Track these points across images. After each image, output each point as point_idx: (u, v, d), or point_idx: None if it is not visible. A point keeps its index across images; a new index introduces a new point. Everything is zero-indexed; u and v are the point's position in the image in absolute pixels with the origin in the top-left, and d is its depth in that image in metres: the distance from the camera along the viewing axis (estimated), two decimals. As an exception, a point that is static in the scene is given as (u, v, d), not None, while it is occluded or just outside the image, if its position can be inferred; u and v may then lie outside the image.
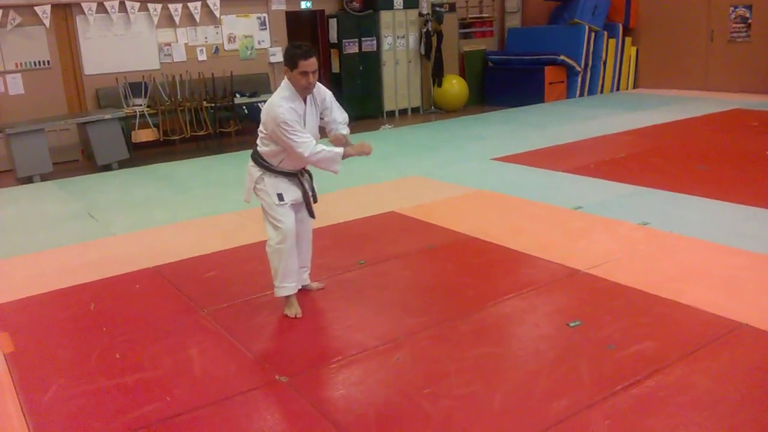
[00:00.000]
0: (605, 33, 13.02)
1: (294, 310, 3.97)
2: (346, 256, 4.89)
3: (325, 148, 3.73)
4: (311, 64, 3.67)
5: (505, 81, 13.32)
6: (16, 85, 9.85)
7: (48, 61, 10.00)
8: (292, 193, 3.92)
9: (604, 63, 13.23)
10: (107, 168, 9.01)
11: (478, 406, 2.96)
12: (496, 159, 7.86)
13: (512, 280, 4.36)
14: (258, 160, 3.91)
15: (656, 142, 8.45)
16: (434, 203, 6.14)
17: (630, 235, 5.07)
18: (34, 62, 9.92)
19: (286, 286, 3.96)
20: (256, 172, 3.91)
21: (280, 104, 3.69)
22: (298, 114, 3.73)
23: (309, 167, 4.01)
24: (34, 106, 9.80)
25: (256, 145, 3.92)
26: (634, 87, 13.73)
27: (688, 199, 5.86)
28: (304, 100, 3.81)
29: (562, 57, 12.55)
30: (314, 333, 3.82)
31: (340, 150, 3.78)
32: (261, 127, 3.85)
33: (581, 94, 13.13)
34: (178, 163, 8.92)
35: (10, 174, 9.00)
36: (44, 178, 8.52)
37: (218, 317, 3.99)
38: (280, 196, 3.87)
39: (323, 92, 3.94)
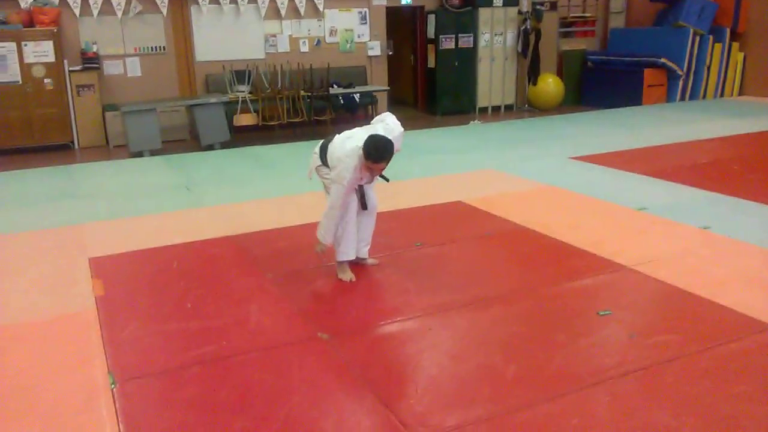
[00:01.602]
0: (711, 37, 12.66)
1: (348, 276, 4.41)
2: (406, 238, 5.23)
3: (335, 218, 4.18)
4: (379, 168, 4.05)
5: (604, 82, 13.20)
6: (134, 67, 10.80)
7: (164, 47, 10.89)
8: None
9: (708, 68, 12.87)
10: (210, 148, 9.73)
11: (493, 374, 3.23)
12: (574, 158, 7.96)
13: (556, 269, 4.56)
14: (322, 157, 4.34)
15: (744, 150, 8.27)
16: (501, 195, 6.37)
17: (687, 237, 5.14)
18: (152, 47, 10.83)
19: (346, 252, 4.39)
20: (318, 161, 4.38)
21: (348, 170, 4.03)
22: (357, 180, 4.14)
23: None
24: (150, 88, 10.71)
25: (327, 143, 4.33)
26: (740, 94, 13.27)
27: (757, 207, 5.81)
28: None
29: (662, 60, 12.33)
30: (361, 300, 4.20)
31: (327, 241, 4.27)
32: (329, 156, 4.25)
33: (682, 99, 12.84)
34: (274, 147, 9.52)
35: (124, 149, 9.90)
36: (153, 153, 9.32)
37: (279, 281, 4.44)
38: None
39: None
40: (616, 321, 3.77)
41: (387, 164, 4.07)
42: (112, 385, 3.19)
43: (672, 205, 5.96)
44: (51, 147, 10.04)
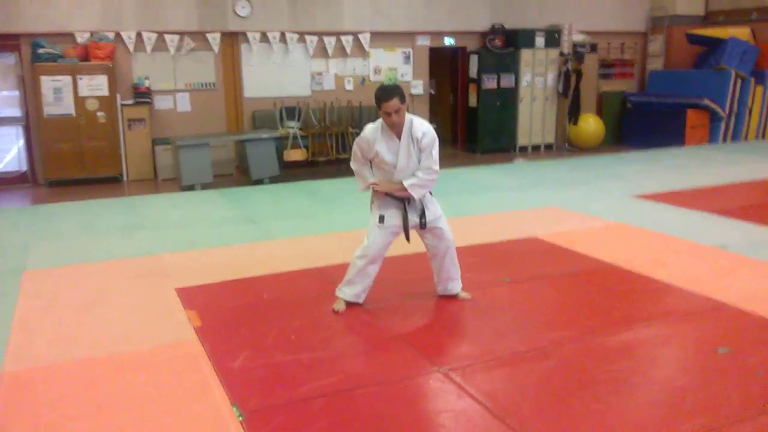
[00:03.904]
0: (752, 80, 12.68)
1: (338, 306, 4.42)
2: (492, 273, 5.17)
3: (360, 172, 4.37)
4: (391, 105, 4.06)
5: (644, 123, 13.20)
6: (184, 103, 10.90)
7: (213, 84, 11.00)
8: (394, 218, 4.31)
9: (750, 110, 12.86)
10: (260, 182, 9.75)
11: (626, 414, 3.14)
12: (638, 196, 7.90)
13: (658, 306, 4.48)
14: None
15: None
16: (575, 232, 6.30)
17: (779, 275, 5.05)
18: (202, 83, 10.94)
19: (345, 291, 4.44)
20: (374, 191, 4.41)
21: (366, 127, 4.27)
22: (368, 143, 4.21)
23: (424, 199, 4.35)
24: (198, 123, 10.80)
25: None
26: (781, 136, 13.25)
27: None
28: (399, 136, 4.18)
29: (706, 101, 12.34)
30: (465, 335, 4.14)
31: (365, 184, 4.39)
32: None
33: (724, 140, 12.81)
34: (325, 182, 9.51)
35: (173, 182, 9.94)
36: (204, 187, 9.33)
37: (376, 314, 4.37)
38: (381, 218, 4.30)
39: (422, 133, 4.18)
40: (737, 358, 3.67)
41: (399, 101, 4.04)
42: (240, 417, 3.11)
43: (752, 243, 5.88)
44: (100, 179, 10.09)
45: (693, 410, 3.13)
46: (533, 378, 3.50)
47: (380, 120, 4.21)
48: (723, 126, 12.71)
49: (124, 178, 10.34)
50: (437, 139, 4.25)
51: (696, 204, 7.40)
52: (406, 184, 4.19)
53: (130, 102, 10.32)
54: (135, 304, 4.64)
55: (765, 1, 12.98)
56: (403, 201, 4.28)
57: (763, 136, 13.17)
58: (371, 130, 4.22)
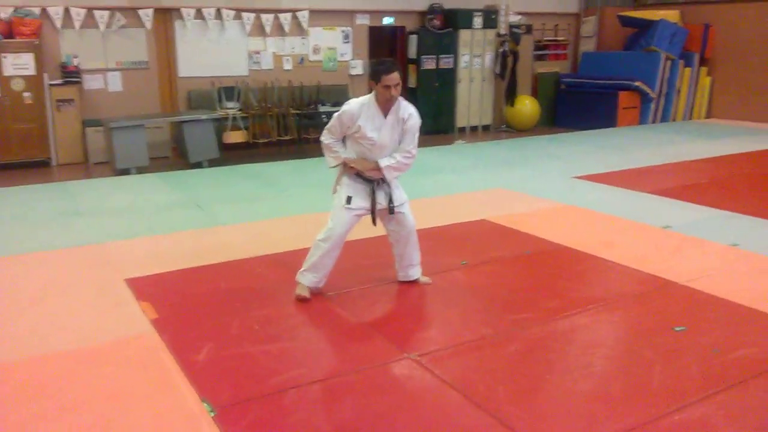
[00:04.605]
0: (681, 61, 13.12)
1: (302, 292, 4.30)
2: (448, 257, 5.19)
3: (333, 147, 4.24)
4: (393, 78, 4.00)
5: (578, 104, 13.48)
6: (115, 82, 10.45)
7: (146, 62, 10.59)
8: (362, 200, 4.24)
9: (679, 91, 13.32)
10: (198, 165, 9.46)
11: (596, 394, 3.21)
12: (578, 177, 8.08)
13: (612, 286, 4.60)
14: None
15: (735, 170, 8.58)
16: (523, 214, 6.39)
17: (721, 254, 5.26)
18: (134, 62, 10.51)
19: (307, 276, 4.32)
20: (342, 170, 4.31)
21: (349, 102, 4.17)
22: (352, 117, 4.09)
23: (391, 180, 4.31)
24: (131, 103, 10.37)
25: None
26: (707, 117, 13.78)
27: (774, 224, 6.02)
28: (386, 114, 4.13)
29: (637, 83, 12.70)
30: (431, 320, 4.15)
31: (337, 161, 4.26)
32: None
33: (653, 121, 13.24)
34: (265, 164, 9.34)
35: (105, 166, 9.56)
36: (140, 171, 9.01)
37: (339, 301, 4.32)
38: (349, 199, 4.23)
39: (408, 114, 4.20)
40: (693, 336, 3.81)
41: (398, 75, 4.01)
42: (211, 413, 3.03)
43: (693, 223, 6.10)
44: (27, 163, 9.60)
45: (659, 389, 3.23)
46: (503, 362, 3.54)
47: (368, 96, 4.13)
48: (653, 107, 13.13)
49: (53, 162, 9.87)
50: (420, 122, 4.24)
51: (635, 184, 7.63)
52: (381, 164, 4.14)
53: (59, 82, 9.82)
54: (84, 297, 4.44)
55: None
56: (372, 183, 4.22)
57: (691, 117, 13.68)
58: (357, 104, 4.11)
